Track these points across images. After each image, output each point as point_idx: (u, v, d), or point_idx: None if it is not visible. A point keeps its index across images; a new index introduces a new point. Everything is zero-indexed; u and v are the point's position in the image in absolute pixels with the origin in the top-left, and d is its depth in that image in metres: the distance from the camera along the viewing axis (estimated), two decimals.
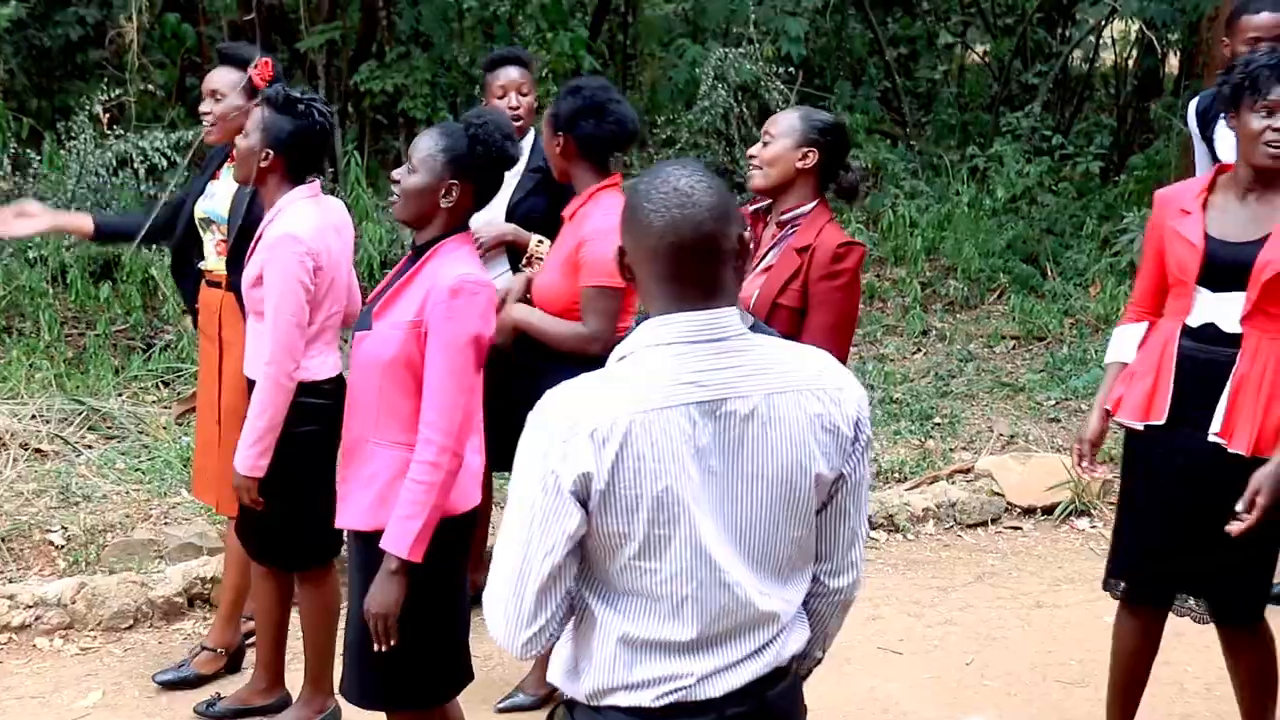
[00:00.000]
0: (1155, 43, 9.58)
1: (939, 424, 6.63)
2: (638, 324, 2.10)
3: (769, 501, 2.06)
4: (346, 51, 9.50)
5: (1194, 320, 3.40)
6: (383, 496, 3.11)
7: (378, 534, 3.08)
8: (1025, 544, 5.66)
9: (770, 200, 3.57)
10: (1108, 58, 11.78)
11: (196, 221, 4.33)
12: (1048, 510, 5.84)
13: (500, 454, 2.99)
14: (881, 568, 5.40)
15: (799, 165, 3.47)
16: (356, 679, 3.27)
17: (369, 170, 8.70)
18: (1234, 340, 3.40)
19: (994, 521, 5.82)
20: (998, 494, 5.89)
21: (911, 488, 5.96)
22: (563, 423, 1.97)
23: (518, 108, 4.56)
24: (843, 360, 3.42)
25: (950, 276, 8.49)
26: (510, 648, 2.08)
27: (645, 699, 2.06)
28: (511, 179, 4.57)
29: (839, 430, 2.10)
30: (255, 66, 4.11)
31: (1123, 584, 3.66)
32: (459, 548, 3.23)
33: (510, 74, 4.69)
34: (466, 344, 3.04)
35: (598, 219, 3.75)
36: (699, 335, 2.03)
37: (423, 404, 3.04)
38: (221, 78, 4.22)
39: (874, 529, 5.65)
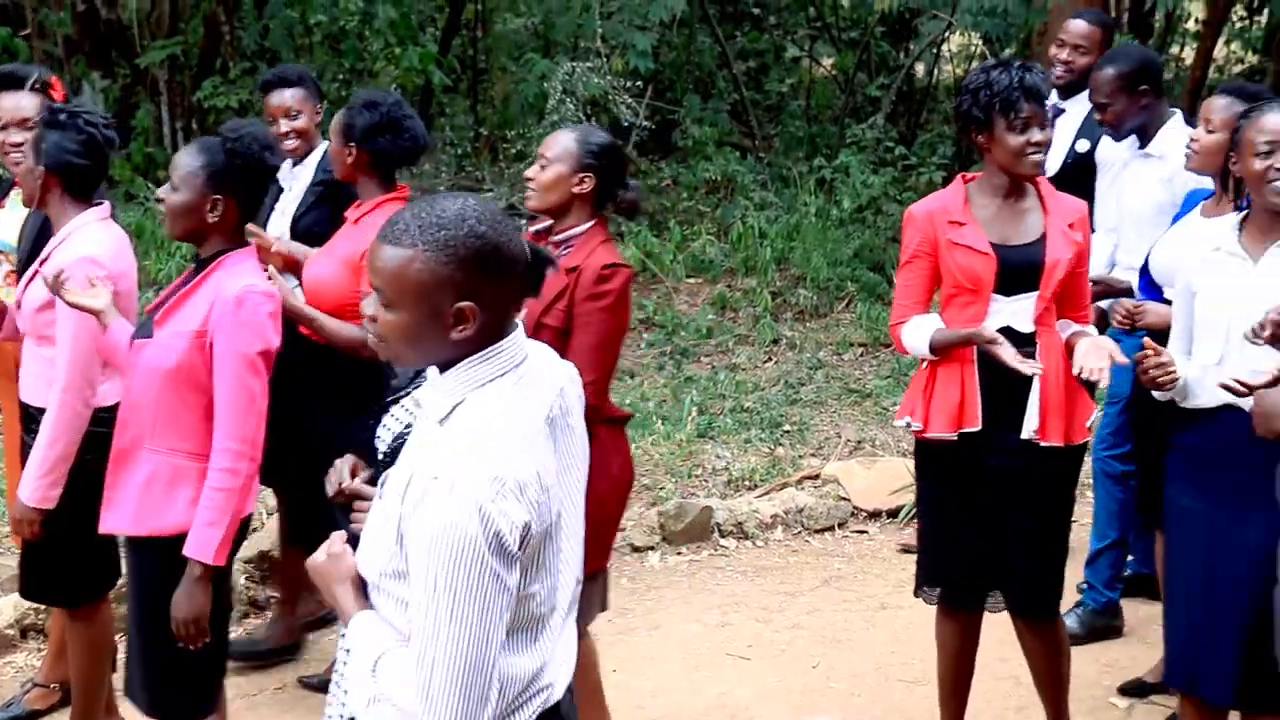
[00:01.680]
0: (990, 56, 9.88)
1: (789, 431, 6.74)
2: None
3: (581, 487, 2.21)
4: (190, 67, 9.32)
5: (992, 326, 3.51)
6: (156, 502, 3.13)
7: (150, 540, 3.12)
8: (871, 547, 5.78)
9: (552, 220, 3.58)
10: (950, 70, 12.12)
11: None
12: (892, 513, 5.98)
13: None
14: (731, 575, 5.48)
15: (575, 190, 3.49)
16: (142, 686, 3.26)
17: None
18: (1029, 340, 3.55)
19: (841, 526, 5.93)
20: (844, 499, 6.01)
21: (761, 495, 6.05)
22: (486, 483, 1.91)
23: (288, 133, 4.53)
24: (607, 380, 3.48)
25: (800, 286, 8.64)
26: None
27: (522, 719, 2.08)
28: (295, 194, 4.54)
29: (583, 399, 2.29)
30: (41, 84, 3.99)
31: (938, 590, 3.78)
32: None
33: (282, 97, 4.63)
34: (253, 352, 3.09)
35: None
36: (517, 359, 2.06)
37: (215, 413, 3.08)
38: (27, 102, 4.03)
39: (724, 537, 5.73)
